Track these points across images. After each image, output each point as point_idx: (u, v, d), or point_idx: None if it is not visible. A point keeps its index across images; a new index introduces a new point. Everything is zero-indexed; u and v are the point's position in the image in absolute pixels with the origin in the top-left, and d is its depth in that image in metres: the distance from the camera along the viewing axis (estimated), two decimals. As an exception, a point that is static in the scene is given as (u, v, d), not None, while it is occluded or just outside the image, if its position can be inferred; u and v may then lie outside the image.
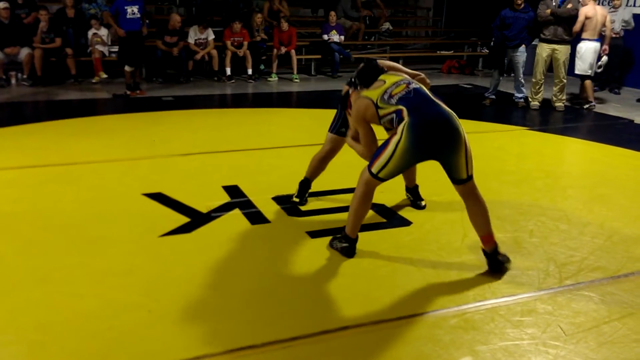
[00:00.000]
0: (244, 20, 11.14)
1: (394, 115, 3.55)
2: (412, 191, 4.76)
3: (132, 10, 9.18)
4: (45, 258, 3.71)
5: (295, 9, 13.47)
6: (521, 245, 4.06)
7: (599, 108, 9.16)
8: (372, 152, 3.70)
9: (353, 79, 3.94)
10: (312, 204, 4.72)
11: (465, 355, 2.81)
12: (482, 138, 6.86)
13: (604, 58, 8.96)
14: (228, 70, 10.98)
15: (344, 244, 3.88)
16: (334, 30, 11.93)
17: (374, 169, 3.60)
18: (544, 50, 8.74)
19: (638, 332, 3.03)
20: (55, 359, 2.74)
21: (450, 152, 3.50)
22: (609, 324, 3.11)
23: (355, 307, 3.22)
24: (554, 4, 8.48)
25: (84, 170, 5.47)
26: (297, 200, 4.70)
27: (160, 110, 8.41)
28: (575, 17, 8.51)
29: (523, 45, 8.95)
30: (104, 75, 10.41)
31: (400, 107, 3.52)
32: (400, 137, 3.46)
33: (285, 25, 11.29)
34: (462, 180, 3.59)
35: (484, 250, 3.71)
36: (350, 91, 4.00)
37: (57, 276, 3.48)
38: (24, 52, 9.83)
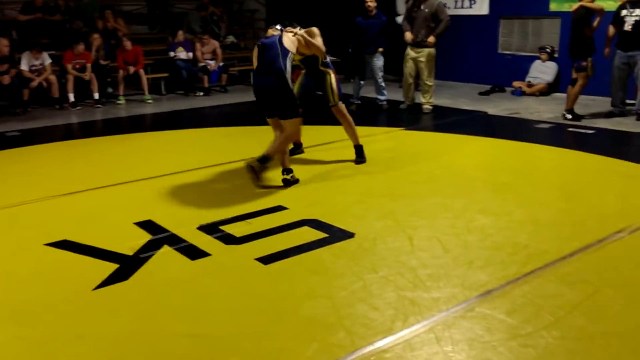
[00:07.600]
0: (85, 41, 10.31)
1: None
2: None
3: None
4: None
5: (129, 26, 12.73)
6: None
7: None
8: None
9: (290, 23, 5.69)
10: (243, 228, 4.42)
11: None
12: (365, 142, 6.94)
13: None
14: (71, 97, 10.09)
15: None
16: (181, 47, 11.46)
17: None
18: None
19: None
20: None
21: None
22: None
23: (333, 330, 3.04)
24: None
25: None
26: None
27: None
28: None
29: (380, 50, 9.20)
30: None
31: None
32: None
33: (128, 44, 10.64)
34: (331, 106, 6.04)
35: (357, 146, 6.18)
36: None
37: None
38: None
